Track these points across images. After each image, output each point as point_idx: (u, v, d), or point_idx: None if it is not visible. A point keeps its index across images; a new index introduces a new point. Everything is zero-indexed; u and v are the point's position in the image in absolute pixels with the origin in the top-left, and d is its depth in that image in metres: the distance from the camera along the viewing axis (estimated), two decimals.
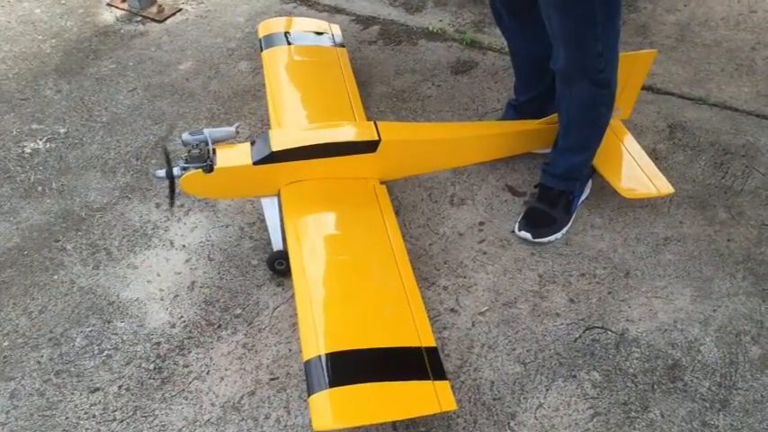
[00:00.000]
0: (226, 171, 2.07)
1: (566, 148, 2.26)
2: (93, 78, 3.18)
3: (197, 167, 2.04)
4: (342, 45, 2.86)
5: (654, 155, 2.55)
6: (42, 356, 2.05)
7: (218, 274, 2.26)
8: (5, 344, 2.09)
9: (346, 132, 2.23)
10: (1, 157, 2.77)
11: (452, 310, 2.11)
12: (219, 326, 2.10)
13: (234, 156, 2.11)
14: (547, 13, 1.97)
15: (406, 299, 1.86)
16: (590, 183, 2.40)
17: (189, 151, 2.05)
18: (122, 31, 3.49)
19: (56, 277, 2.28)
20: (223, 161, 2.08)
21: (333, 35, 2.90)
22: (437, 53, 3.17)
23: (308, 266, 1.92)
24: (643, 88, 2.81)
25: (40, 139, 2.85)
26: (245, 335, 2.07)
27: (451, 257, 2.26)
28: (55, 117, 2.96)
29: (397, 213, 2.40)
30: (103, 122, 2.92)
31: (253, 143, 2.15)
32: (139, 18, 3.57)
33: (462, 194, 2.48)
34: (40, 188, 2.62)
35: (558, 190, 2.29)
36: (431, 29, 3.33)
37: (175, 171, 2.07)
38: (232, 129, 2.10)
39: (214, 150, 2.08)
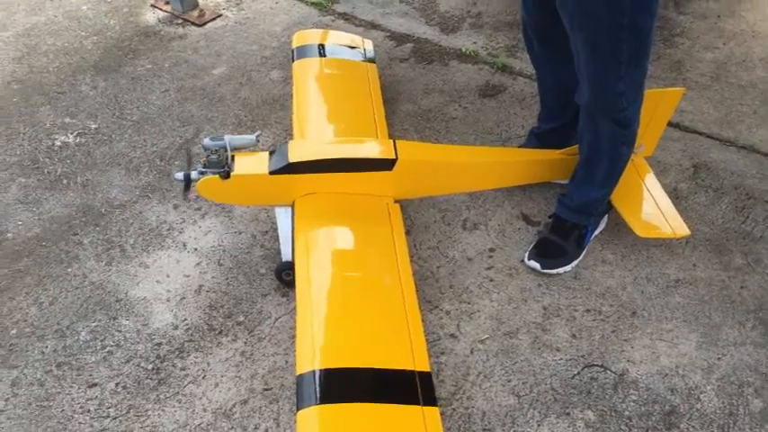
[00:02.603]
0: (242, 178, 2.10)
1: (583, 182, 2.24)
2: (129, 77, 3.25)
3: (214, 173, 2.07)
4: (372, 61, 2.88)
5: (675, 194, 2.51)
6: (47, 347, 2.10)
7: (226, 279, 2.29)
8: (13, 332, 2.15)
9: (364, 149, 2.24)
10: (32, 149, 2.85)
11: (452, 335, 2.10)
12: (221, 332, 2.13)
13: (251, 164, 2.14)
14: (575, 47, 1.96)
15: (406, 321, 1.85)
16: (606, 217, 2.37)
17: (208, 156, 2.08)
18: (162, 32, 3.57)
19: (69, 270, 2.34)
20: (240, 168, 2.11)
21: (365, 50, 2.92)
22: (467, 75, 3.17)
23: (313, 280, 1.93)
24: (671, 125, 2.77)
25: (71, 133, 2.92)
26: (245, 343, 2.09)
27: (457, 282, 2.25)
28: (88, 112, 3.04)
29: (408, 233, 2.41)
30: (133, 121, 2.98)
31: (272, 153, 2.17)
32: (180, 21, 3.65)
33: (476, 219, 2.47)
34: (65, 181, 2.69)
35: (571, 222, 2.27)
36: (464, 50, 3.33)
37: (193, 175, 2.10)
38: (253, 137, 2.13)
39: (233, 157, 2.11)
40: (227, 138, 2.08)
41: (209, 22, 3.64)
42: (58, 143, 2.88)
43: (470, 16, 3.60)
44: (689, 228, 2.26)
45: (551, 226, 2.32)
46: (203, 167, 2.08)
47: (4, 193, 2.64)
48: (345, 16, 3.64)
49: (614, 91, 1.95)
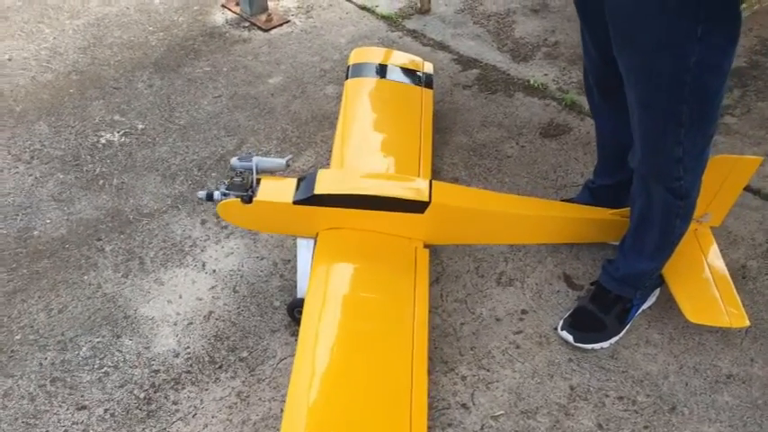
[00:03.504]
0: (264, 205, 2.00)
1: (631, 252, 2.01)
2: (186, 78, 3.20)
3: (237, 196, 1.97)
4: (430, 86, 2.71)
5: (742, 272, 2.23)
6: (46, 359, 2.04)
7: (238, 308, 2.18)
8: (17, 337, 2.10)
9: (397, 187, 2.09)
10: (77, 144, 2.83)
11: (464, 405, 1.91)
12: (221, 366, 2.02)
13: (276, 190, 2.03)
14: (630, 102, 1.74)
15: (410, 387, 1.70)
16: (657, 291, 2.13)
17: (232, 178, 1.99)
18: (227, 34, 3.51)
19: (85, 278, 2.28)
20: (264, 194, 2.00)
21: (423, 74, 2.75)
22: (531, 110, 2.96)
23: (320, 326, 1.81)
24: (750, 191, 2.48)
25: (118, 132, 2.89)
26: (243, 382, 1.97)
27: (480, 344, 2.06)
28: (138, 111, 3.00)
29: (436, 281, 2.24)
30: (180, 125, 2.92)
31: (301, 180, 2.05)
32: (247, 24, 3.57)
33: (512, 274, 2.27)
34: (101, 182, 2.65)
35: (615, 294, 2.04)
36: (532, 82, 3.11)
37: (215, 195, 2.01)
38: (283, 161, 2.02)
39: (258, 181, 2.00)
40: (254, 160, 1.99)
41: (275, 27, 3.55)
42: (102, 141, 2.85)
43: (546, 45, 3.37)
44: (751, 316, 2.00)
45: (592, 294, 2.10)
46: (226, 189, 1.98)
47: (40, 188, 2.62)
48: (414, 34, 3.47)
49: (670, 156, 1.72)
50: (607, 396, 1.93)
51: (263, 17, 3.60)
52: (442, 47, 3.38)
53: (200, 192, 2.05)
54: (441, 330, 2.10)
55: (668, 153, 1.72)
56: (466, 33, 3.48)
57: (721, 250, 2.24)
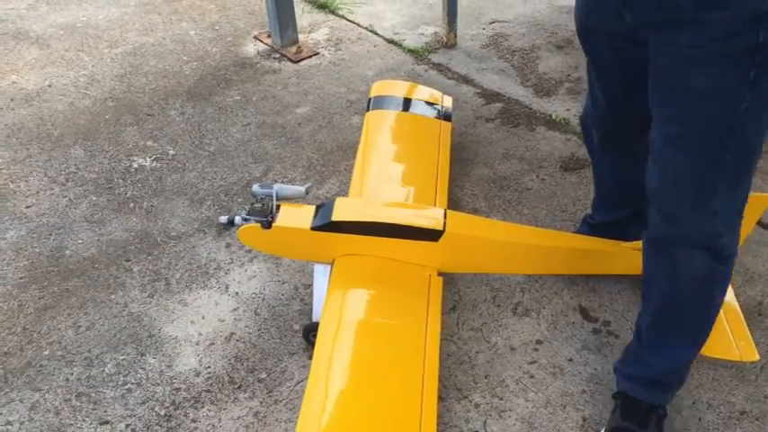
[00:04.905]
0: (283, 230, 2.06)
1: (656, 345, 1.78)
2: (217, 107, 3.31)
3: (257, 221, 2.04)
4: (448, 119, 2.78)
5: (758, 309, 2.24)
6: (73, 374, 2.11)
7: (258, 330, 2.24)
8: (46, 353, 2.18)
9: (412, 216, 2.14)
10: (110, 168, 2.93)
11: None
12: (240, 386, 2.07)
13: (295, 217, 2.10)
14: (657, 154, 1.58)
15: (420, 413, 1.73)
16: None
17: (252, 203, 2.06)
18: (258, 65, 3.62)
19: (113, 297, 2.36)
20: (283, 220, 2.07)
21: (442, 107, 2.82)
22: (552, 144, 3.00)
23: (333, 350, 1.85)
24: (765, 227, 2.49)
25: (150, 157, 2.99)
26: (261, 403, 2.02)
27: (494, 373, 2.09)
28: (170, 137, 3.10)
29: (453, 309, 2.28)
30: (210, 152, 3.02)
31: (319, 207, 2.12)
32: (278, 55, 3.69)
33: (529, 305, 2.30)
34: (131, 205, 2.74)
35: (646, 403, 1.82)
36: (554, 116, 3.16)
37: (236, 220, 2.08)
38: (302, 189, 2.09)
39: (278, 207, 2.07)
40: (275, 187, 2.06)
41: (304, 59, 3.66)
42: (135, 165, 2.95)
43: (569, 80, 3.43)
44: (767, 353, 1.99)
45: (621, 410, 1.86)
46: (247, 214, 2.05)
47: (74, 209, 2.72)
48: (440, 67, 3.55)
49: (707, 209, 1.56)
50: None
51: (294, 49, 3.71)
52: (467, 80, 3.45)
53: (222, 217, 2.14)
54: (456, 358, 2.13)
55: (705, 205, 1.56)
56: (490, 68, 3.55)
57: (738, 287, 2.26)
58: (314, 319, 2.11)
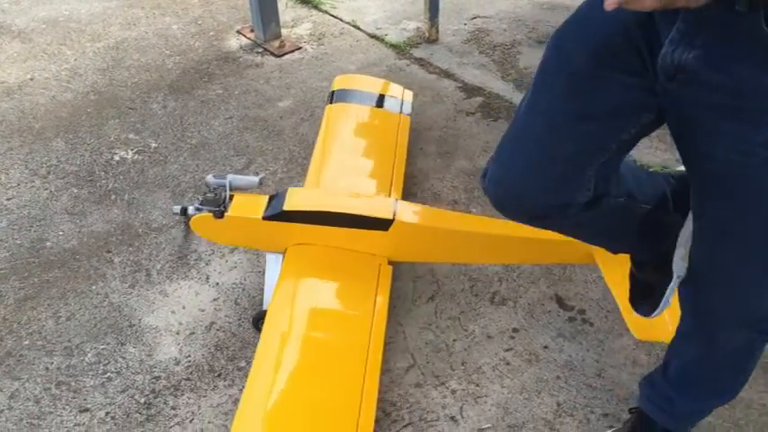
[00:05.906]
0: (235, 220, 2.10)
1: (686, 391, 1.70)
2: (199, 100, 3.32)
3: (209, 211, 2.07)
4: (408, 113, 2.82)
5: None
6: (52, 363, 2.12)
7: (239, 320, 2.25)
8: (26, 342, 2.19)
9: (363, 205, 2.17)
10: (91, 160, 2.94)
11: (452, 418, 1.97)
12: (219, 374, 2.09)
13: (247, 206, 2.13)
14: (699, 261, 1.43)
15: (360, 395, 1.78)
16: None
17: (205, 193, 2.09)
18: (241, 59, 3.63)
19: (94, 288, 2.37)
20: (235, 210, 2.10)
21: (402, 101, 2.86)
22: None
23: (279, 338, 1.90)
24: None
25: (131, 150, 3.00)
26: (241, 390, 2.04)
27: (471, 360, 2.12)
28: (152, 131, 3.11)
29: (431, 298, 2.31)
30: (192, 144, 3.03)
31: (272, 197, 2.15)
32: (260, 50, 3.70)
33: (506, 294, 2.33)
34: (113, 197, 2.75)
35: (663, 427, 1.77)
36: None
37: (190, 210, 2.12)
38: (255, 179, 2.14)
39: (231, 197, 2.10)
40: (229, 177, 2.10)
41: (287, 53, 3.67)
42: (116, 158, 2.96)
43: None
44: None
45: (636, 427, 1.83)
46: (200, 204, 2.08)
47: (55, 201, 2.73)
48: (421, 62, 3.58)
49: (763, 301, 1.43)
50: (592, 413, 1.98)
51: (276, 43, 3.73)
52: (448, 75, 3.48)
53: (176, 206, 2.15)
54: (433, 346, 2.16)
55: (760, 298, 1.42)
56: (471, 62, 3.58)
57: None
58: (263, 308, 2.13)
